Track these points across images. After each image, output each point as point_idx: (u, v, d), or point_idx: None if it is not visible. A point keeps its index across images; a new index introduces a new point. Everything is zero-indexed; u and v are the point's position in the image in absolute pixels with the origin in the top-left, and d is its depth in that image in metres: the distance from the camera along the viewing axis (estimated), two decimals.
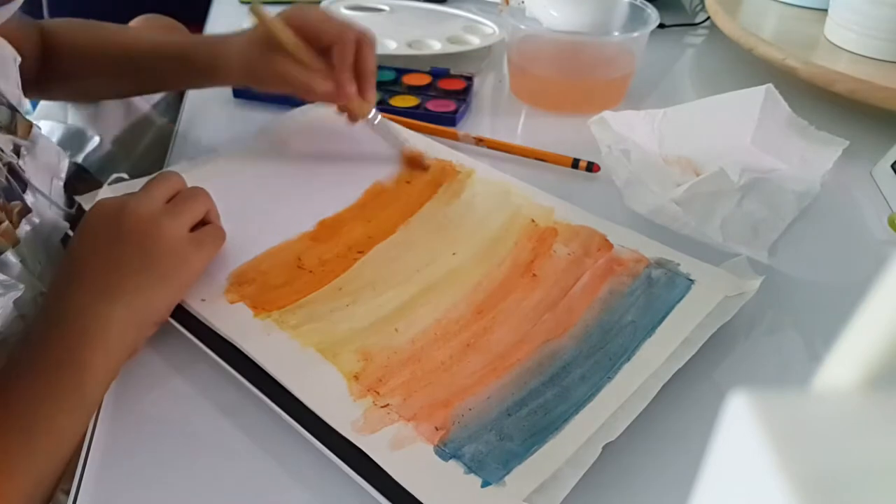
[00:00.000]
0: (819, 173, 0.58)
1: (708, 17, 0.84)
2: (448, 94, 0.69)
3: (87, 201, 0.50)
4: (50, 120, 0.71)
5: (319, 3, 0.84)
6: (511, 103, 0.72)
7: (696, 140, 0.60)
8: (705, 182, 0.53)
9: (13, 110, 0.49)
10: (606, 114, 0.62)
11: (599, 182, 0.59)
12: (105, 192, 0.50)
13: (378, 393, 0.38)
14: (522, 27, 0.69)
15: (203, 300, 0.43)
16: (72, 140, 0.71)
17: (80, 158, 0.70)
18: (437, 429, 0.36)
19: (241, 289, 0.44)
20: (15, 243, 0.44)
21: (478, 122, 0.68)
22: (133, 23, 0.87)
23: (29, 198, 0.47)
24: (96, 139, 0.71)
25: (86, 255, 0.40)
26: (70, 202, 0.53)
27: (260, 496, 0.35)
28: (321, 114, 0.62)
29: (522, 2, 0.72)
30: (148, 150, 0.74)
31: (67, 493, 0.35)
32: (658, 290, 0.45)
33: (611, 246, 0.48)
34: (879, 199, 0.58)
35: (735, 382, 0.42)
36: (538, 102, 0.71)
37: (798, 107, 0.62)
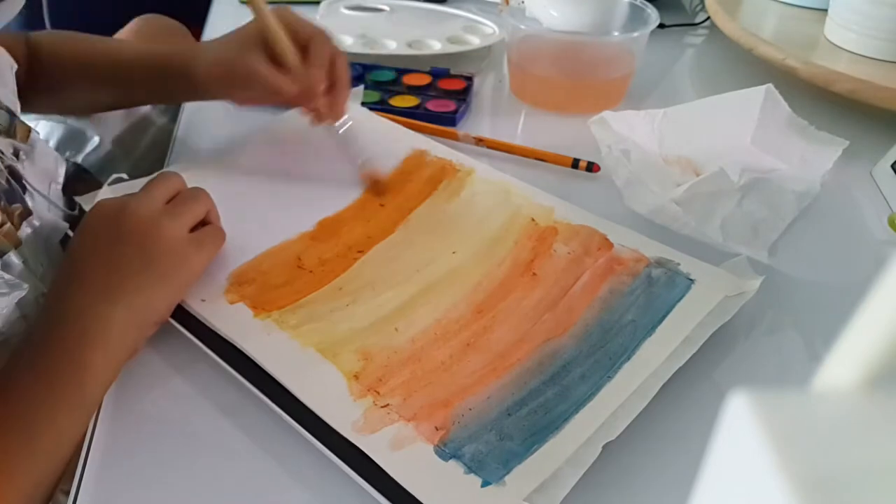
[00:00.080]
0: (819, 173, 0.58)
1: (708, 17, 0.84)
2: (448, 94, 0.69)
3: (87, 202, 0.50)
4: (50, 120, 0.71)
5: (319, 2, 0.84)
6: (511, 103, 0.72)
7: (696, 140, 0.60)
8: (705, 182, 0.53)
9: (11, 115, 0.49)
10: (606, 114, 0.62)
11: (599, 182, 0.59)
12: (105, 192, 0.50)
13: (378, 393, 0.38)
14: (522, 27, 0.69)
15: (203, 300, 0.43)
16: (72, 140, 0.71)
17: (79, 159, 0.70)
18: (437, 429, 0.36)
19: (241, 289, 0.44)
20: (17, 245, 0.44)
21: (478, 122, 0.68)
22: (133, 24, 0.87)
23: (28, 200, 0.47)
24: (96, 139, 0.71)
25: (86, 255, 0.40)
26: (68, 205, 0.53)
27: (260, 496, 0.35)
28: None
29: (522, 2, 0.72)
30: (148, 150, 0.74)
31: (67, 493, 0.35)
32: (658, 290, 0.45)
33: (611, 245, 0.48)
34: (879, 199, 0.58)
35: (735, 382, 0.42)
36: (538, 102, 0.71)
37: (798, 107, 0.62)
